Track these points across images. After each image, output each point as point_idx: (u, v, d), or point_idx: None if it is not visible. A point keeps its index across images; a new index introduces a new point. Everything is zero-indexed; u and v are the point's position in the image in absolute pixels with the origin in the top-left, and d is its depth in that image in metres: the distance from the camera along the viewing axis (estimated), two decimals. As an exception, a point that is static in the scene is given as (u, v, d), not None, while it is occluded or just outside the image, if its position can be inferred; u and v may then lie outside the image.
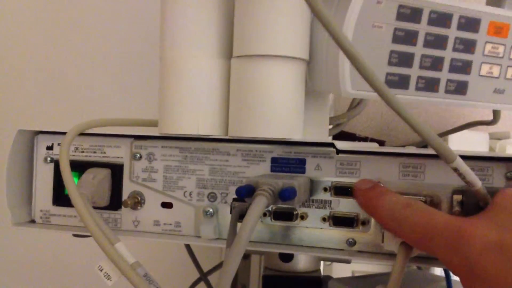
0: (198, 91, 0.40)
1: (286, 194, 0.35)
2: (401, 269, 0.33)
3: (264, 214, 0.41)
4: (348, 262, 0.57)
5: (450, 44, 0.40)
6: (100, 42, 0.94)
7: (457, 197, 0.36)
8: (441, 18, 0.40)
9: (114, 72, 0.94)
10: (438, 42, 0.40)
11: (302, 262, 0.52)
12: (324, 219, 0.40)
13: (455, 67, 0.41)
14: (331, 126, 0.66)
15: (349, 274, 0.75)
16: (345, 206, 0.39)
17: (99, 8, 0.93)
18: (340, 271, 0.74)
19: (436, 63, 0.40)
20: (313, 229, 0.40)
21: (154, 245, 0.87)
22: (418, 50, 0.40)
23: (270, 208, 0.41)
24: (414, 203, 0.34)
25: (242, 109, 0.39)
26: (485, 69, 0.42)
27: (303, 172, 0.40)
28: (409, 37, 0.39)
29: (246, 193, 0.36)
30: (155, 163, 0.43)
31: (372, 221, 0.39)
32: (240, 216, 0.38)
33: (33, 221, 0.45)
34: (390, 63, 0.39)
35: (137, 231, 0.43)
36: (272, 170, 0.41)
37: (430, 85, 0.41)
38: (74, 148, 0.44)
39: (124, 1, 0.93)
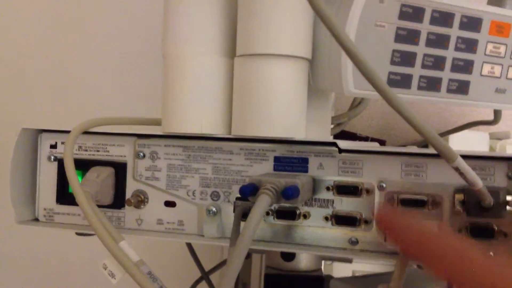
0: (201, 90, 0.40)
1: (290, 192, 0.35)
2: (404, 268, 0.33)
3: (267, 213, 0.41)
4: (349, 261, 0.58)
5: (452, 43, 0.41)
6: (103, 40, 0.94)
7: (459, 197, 0.36)
8: (443, 18, 0.40)
9: (118, 71, 0.94)
10: (440, 41, 0.40)
11: (304, 261, 0.53)
12: (326, 218, 0.40)
13: (457, 67, 0.41)
14: (332, 126, 0.66)
15: (349, 274, 0.75)
16: (348, 205, 0.40)
17: (102, 6, 0.93)
18: (341, 270, 0.74)
19: (438, 63, 0.40)
20: (315, 228, 0.40)
21: (156, 244, 0.87)
22: (420, 49, 0.40)
23: (272, 207, 0.41)
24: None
25: (245, 108, 0.39)
26: (486, 68, 0.43)
27: (306, 171, 0.40)
28: (411, 36, 0.39)
29: (249, 192, 0.36)
30: (159, 162, 0.43)
31: (375, 220, 0.39)
32: (243, 215, 0.39)
33: (36, 220, 0.46)
34: (392, 62, 0.39)
35: (140, 230, 0.44)
36: (274, 169, 0.41)
37: (432, 85, 0.41)
38: (78, 147, 0.45)
39: (128, 0, 0.93)
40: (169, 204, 0.43)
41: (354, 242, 0.40)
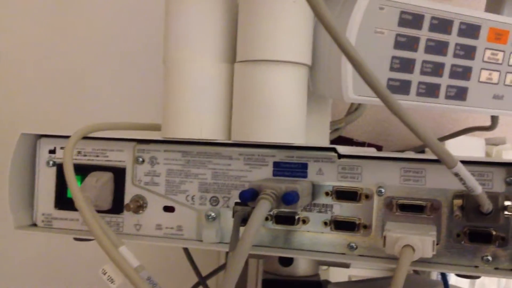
0: (201, 95, 0.40)
1: (289, 198, 0.35)
2: (403, 273, 0.33)
3: (266, 218, 0.41)
4: (347, 266, 0.58)
5: (450, 50, 0.41)
6: (103, 46, 0.94)
7: (458, 202, 0.37)
8: (442, 25, 0.40)
9: (118, 76, 0.94)
10: (439, 48, 0.40)
11: (301, 266, 0.53)
12: (325, 223, 0.40)
13: (455, 73, 0.42)
14: (329, 131, 0.66)
15: (345, 279, 0.75)
16: (346, 210, 0.40)
17: (103, 11, 0.93)
18: (337, 276, 0.74)
19: (437, 69, 0.41)
20: (314, 233, 0.40)
21: (153, 249, 0.87)
22: (419, 56, 0.40)
23: (272, 212, 0.41)
24: None
25: (245, 113, 0.39)
26: (484, 75, 0.43)
27: (305, 176, 0.40)
28: (411, 43, 0.39)
29: (249, 197, 0.36)
30: (158, 167, 0.43)
31: (373, 225, 0.39)
32: (242, 220, 0.39)
33: (34, 225, 0.46)
34: (391, 69, 0.39)
35: (139, 235, 0.44)
36: (274, 175, 0.41)
37: (430, 91, 0.41)
38: (77, 152, 0.44)
39: (127, 5, 0.93)
40: (168, 209, 0.43)
41: (353, 247, 0.40)
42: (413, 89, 0.40)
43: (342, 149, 0.40)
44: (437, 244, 0.37)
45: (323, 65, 0.40)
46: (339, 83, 0.39)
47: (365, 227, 0.39)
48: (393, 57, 0.39)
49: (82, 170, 0.43)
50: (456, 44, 0.41)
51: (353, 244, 0.40)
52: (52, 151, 0.45)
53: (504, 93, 0.44)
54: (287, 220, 0.41)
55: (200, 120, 0.40)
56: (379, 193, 0.39)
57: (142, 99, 0.90)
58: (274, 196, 0.35)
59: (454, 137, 0.69)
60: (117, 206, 0.44)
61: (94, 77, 0.94)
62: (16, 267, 0.94)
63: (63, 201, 0.45)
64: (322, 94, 0.42)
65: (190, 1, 0.40)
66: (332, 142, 0.69)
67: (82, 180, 0.43)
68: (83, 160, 0.44)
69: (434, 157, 0.33)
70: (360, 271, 0.76)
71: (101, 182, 0.42)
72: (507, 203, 0.36)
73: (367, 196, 0.39)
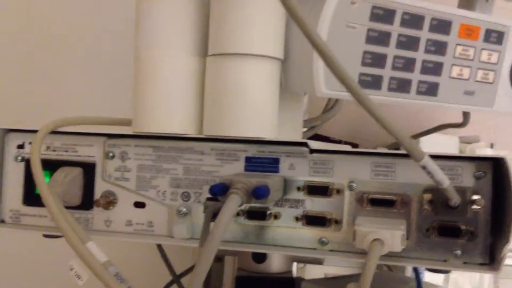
0: (172, 89, 0.40)
1: (260, 192, 0.35)
2: (372, 266, 0.33)
3: (238, 214, 0.41)
4: (320, 263, 0.58)
5: (422, 45, 0.41)
6: (73, 40, 0.92)
7: (427, 196, 0.37)
8: (414, 20, 0.40)
9: (87, 70, 0.93)
10: (410, 43, 0.41)
11: (275, 263, 0.53)
12: (297, 219, 0.40)
13: (426, 69, 0.42)
14: (305, 129, 0.66)
15: (322, 277, 0.76)
16: (318, 205, 0.40)
17: (71, 5, 0.92)
18: (313, 273, 0.75)
19: (408, 64, 0.41)
20: (286, 228, 0.40)
21: (127, 247, 0.86)
22: (391, 51, 0.40)
23: (243, 208, 0.41)
24: None
25: (217, 107, 0.39)
26: (455, 71, 0.43)
27: (277, 171, 0.40)
28: (382, 38, 0.39)
29: (219, 191, 0.36)
30: (129, 162, 0.43)
31: (344, 219, 0.39)
32: (213, 215, 0.38)
33: (2, 221, 0.45)
34: (363, 64, 0.39)
35: (109, 231, 0.43)
36: (246, 170, 0.41)
37: (402, 86, 0.41)
38: (46, 147, 0.44)
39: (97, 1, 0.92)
40: (139, 205, 0.43)
41: (324, 242, 0.40)
42: (385, 84, 0.41)
43: (314, 144, 0.40)
44: (407, 239, 0.37)
45: (296, 59, 0.40)
46: (311, 77, 0.38)
47: (336, 222, 0.39)
48: (365, 52, 0.39)
49: (51, 166, 0.43)
50: (428, 40, 0.41)
51: (325, 239, 0.40)
52: (21, 146, 0.44)
53: (475, 89, 0.45)
54: (259, 215, 0.41)
55: (171, 114, 0.40)
56: (350, 188, 0.39)
57: (113, 93, 0.89)
58: (244, 191, 0.35)
59: (427, 134, 0.69)
60: (86, 202, 0.43)
61: (63, 72, 0.93)
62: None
63: (32, 197, 0.44)
64: (295, 88, 0.42)
65: (161, -6, 0.40)
66: (308, 139, 0.69)
67: (51, 175, 0.42)
68: (52, 156, 0.44)
69: (403, 152, 0.33)
70: (335, 269, 0.76)
71: (70, 177, 0.41)
72: (475, 197, 0.36)
73: (338, 191, 0.39)
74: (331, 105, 0.68)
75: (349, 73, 0.31)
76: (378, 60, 0.40)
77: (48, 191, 0.37)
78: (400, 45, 0.40)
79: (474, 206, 0.36)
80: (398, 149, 0.71)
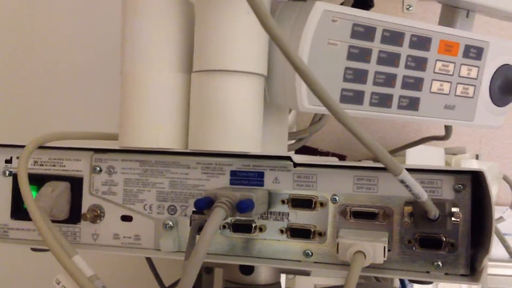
0: (158, 104, 0.40)
1: (244, 206, 0.36)
2: (355, 278, 0.34)
3: (224, 227, 0.41)
4: (307, 274, 0.58)
5: (402, 61, 0.42)
6: (61, 55, 0.93)
7: (408, 209, 0.38)
8: (394, 37, 0.41)
9: (75, 85, 0.93)
10: (391, 59, 0.42)
11: (262, 274, 0.53)
12: (282, 231, 0.41)
13: (407, 84, 0.43)
14: (293, 141, 0.67)
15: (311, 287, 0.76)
16: (302, 218, 0.40)
17: (60, 18, 0.93)
18: (302, 285, 0.75)
19: (389, 80, 0.42)
20: (271, 241, 0.41)
21: (115, 260, 0.86)
22: (372, 67, 0.41)
23: (229, 221, 0.41)
24: None
25: (202, 122, 0.40)
26: (435, 86, 0.44)
27: (262, 185, 0.41)
28: (363, 55, 0.40)
29: (204, 205, 0.36)
30: (115, 176, 0.43)
31: (328, 232, 0.40)
32: (199, 228, 0.39)
33: (-10, 235, 0.45)
34: (345, 79, 0.40)
35: (96, 245, 0.43)
36: (231, 183, 0.41)
37: (383, 101, 0.42)
38: (33, 162, 0.44)
39: (85, 16, 0.93)
40: (126, 218, 0.43)
41: (308, 254, 0.40)
42: (366, 99, 0.41)
43: (297, 158, 0.40)
44: (389, 250, 0.38)
45: (279, 75, 0.41)
46: (294, 93, 0.39)
47: (320, 234, 0.40)
48: (347, 68, 0.40)
49: (39, 180, 0.43)
50: (408, 56, 0.42)
51: (309, 251, 0.40)
52: (9, 161, 0.45)
53: (455, 103, 0.46)
54: (244, 228, 0.41)
55: (157, 129, 0.41)
56: (334, 200, 0.40)
57: (99, 109, 0.90)
58: (229, 204, 0.36)
59: (412, 146, 0.70)
60: (74, 216, 0.43)
61: (51, 87, 0.93)
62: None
63: (20, 211, 0.44)
64: (279, 103, 0.43)
65: (146, 12, 0.40)
66: (296, 151, 0.70)
67: (38, 190, 0.43)
68: (40, 170, 0.44)
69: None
70: (325, 279, 0.76)
71: (57, 191, 0.42)
72: (454, 209, 0.37)
73: (322, 204, 0.40)
74: (319, 117, 0.69)
75: (328, 91, 0.32)
76: (359, 76, 0.41)
77: (35, 205, 0.37)
78: (381, 61, 0.41)
79: (454, 219, 0.37)
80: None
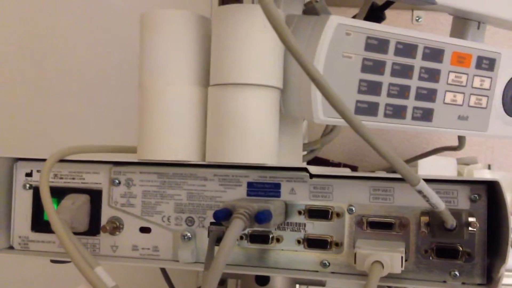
0: (176, 118, 0.41)
1: (262, 217, 0.36)
2: (373, 287, 0.34)
3: (241, 238, 0.42)
4: (323, 285, 0.59)
5: (415, 73, 0.43)
6: (79, 69, 0.94)
7: (424, 219, 0.38)
8: (407, 49, 0.42)
9: (94, 99, 0.95)
10: (405, 71, 0.42)
11: (278, 285, 0.53)
12: (298, 242, 0.41)
13: (421, 95, 0.43)
14: (305, 152, 0.68)
15: (325, 299, 0.76)
16: (319, 228, 0.41)
17: (79, 33, 0.94)
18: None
19: (403, 91, 0.42)
20: (288, 251, 0.41)
21: (131, 271, 0.86)
22: (386, 79, 0.42)
23: (246, 232, 0.42)
24: None
25: (219, 135, 0.40)
26: (449, 97, 0.45)
27: (278, 196, 0.41)
28: (377, 67, 0.41)
29: (223, 216, 0.37)
30: (134, 189, 0.44)
31: (345, 242, 0.40)
32: (217, 239, 0.39)
33: (11, 247, 0.46)
34: (359, 91, 0.41)
35: (115, 256, 0.44)
36: (248, 195, 0.42)
37: (397, 112, 0.43)
38: (53, 175, 0.45)
39: (103, 29, 0.94)
40: (144, 230, 0.44)
41: (325, 264, 0.41)
42: (381, 110, 0.42)
43: (314, 169, 0.41)
44: (406, 260, 0.39)
45: (294, 88, 0.41)
46: (310, 105, 0.40)
47: (337, 244, 0.40)
48: (361, 80, 0.41)
49: (59, 193, 0.44)
50: (421, 68, 0.43)
51: (326, 262, 0.41)
52: (29, 174, 0.46)
53: (468, 114, 0.46)
54: (262, 239, 0.42)
55: (175, 142, 0.41)
56: (350, 211, 0.40)
57: (118, 122, 0.91)
58: (247, 215, 0.36)
59: (424, 157, 0.70)
60: (93, 227, 0.44)
61: (70, 101, 0.95)
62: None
63: (40, 223, 0.45)
64: (294, 115, 0.43)
65: (164, 27, 0.41)
66: (308, 163, 0.70)
67: (58, 202, 0.44)
68: (60, 183, 0.45)
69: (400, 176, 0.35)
70: (338, 290, 0.76)
71: (77, 204, 0.43)
72: (471, 219, 0.37)
73: (338, 215, 0.40)
74: (330, 128, 0.69)
75: (345, 102, 0.33)
76: (373, 88, 0.41)
77: (57, 217, 0.38)
78: (395, 73, 0.42)
79: (470, 228, 0.37)
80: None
